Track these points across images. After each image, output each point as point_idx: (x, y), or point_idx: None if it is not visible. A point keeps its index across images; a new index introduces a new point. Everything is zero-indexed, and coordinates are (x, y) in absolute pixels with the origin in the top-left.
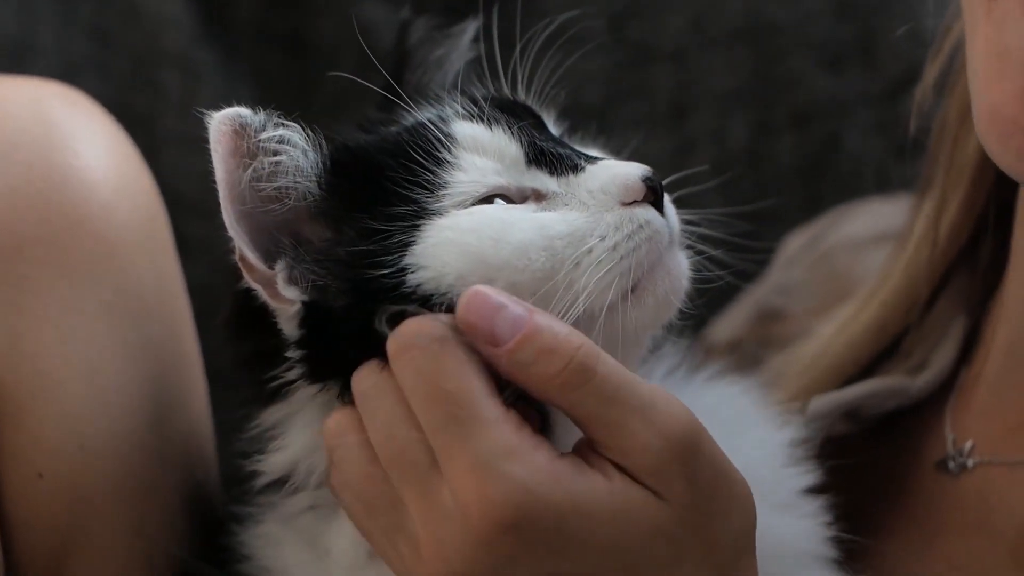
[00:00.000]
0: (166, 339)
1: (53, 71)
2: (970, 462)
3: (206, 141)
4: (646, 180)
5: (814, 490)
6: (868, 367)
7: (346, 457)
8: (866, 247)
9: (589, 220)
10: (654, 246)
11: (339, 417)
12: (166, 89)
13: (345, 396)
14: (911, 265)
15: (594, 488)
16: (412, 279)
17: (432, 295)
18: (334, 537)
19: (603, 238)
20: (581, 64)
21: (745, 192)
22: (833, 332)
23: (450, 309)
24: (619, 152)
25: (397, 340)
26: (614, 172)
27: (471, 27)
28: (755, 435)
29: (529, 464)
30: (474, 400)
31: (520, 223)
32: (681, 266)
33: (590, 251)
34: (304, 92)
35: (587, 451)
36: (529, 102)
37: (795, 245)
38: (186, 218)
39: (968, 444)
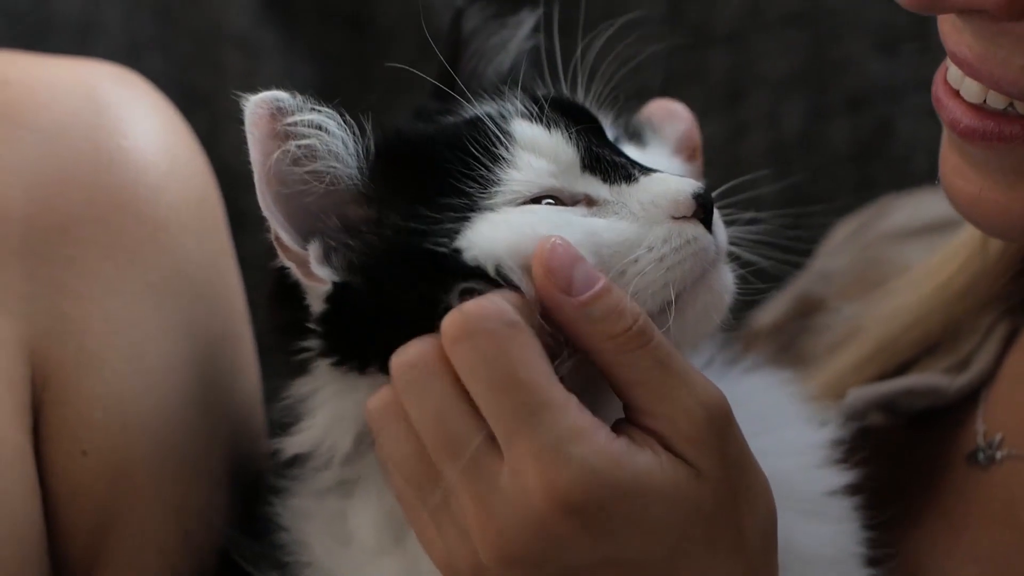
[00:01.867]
0: (214, 318)
1: (117, 50)
2: (999, 455)
3: None
4: (697, 197)
5: (847, 490)
6: (908, 361)
7: (391, 437)
8: (910, 238)
9: (638, 231)
10: (699, 261)
11: (383, 395)
12: (227, 69)
13: (369, 371)
14: (965, 267)
15: (649, 466)
16: (462, 265)
17: (461, 263)
18: (359, 520)
19: (650, 249)
20: (638, 47)
21: (798, 176)
22: (873, 323)
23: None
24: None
25: (462, 322)
26: (667, 186)
27: (530, 19)
28: (790, 432)
29: (594, 446)
30: (543, 387)
31: (570, 225)
32: (724, 281)
33: (636, 261)
34: (364, 73)
35: (629, 428)
36: (587, 103)
37: (841, 233)
38: (246, 195)
39: (998, 437)
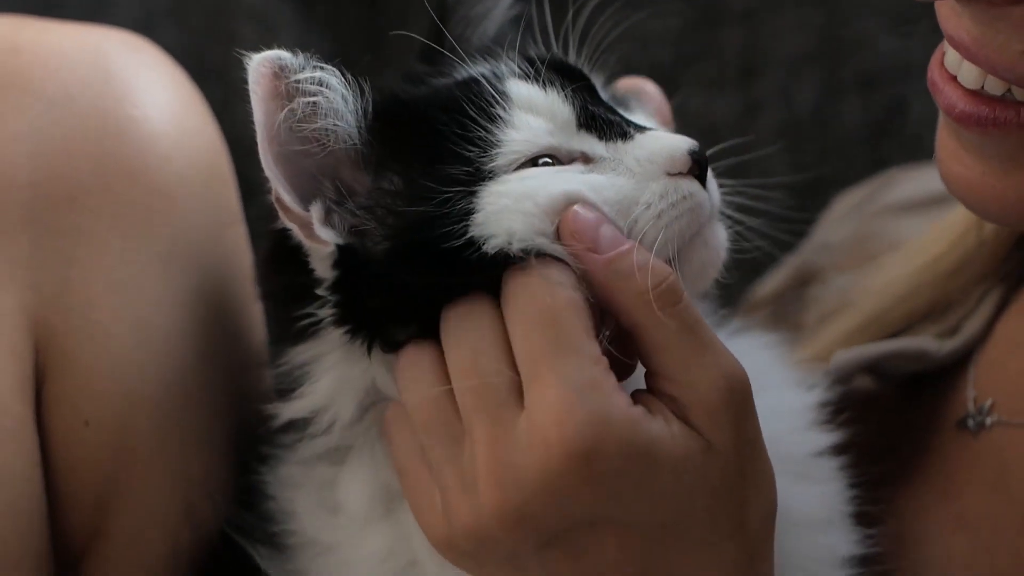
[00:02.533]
0: (221, 288)
1: (132, 21)
2: (989, 421)
3: None
4: (692, 153)
5: (834, 451)
6: (897, 334)
7: (416, 378)
8: (912, 211)
9: (635, 187)
10: (695, 217)
11: (419, 344)
12: (242, 40)
13: (378, 347)
14: (958, 244)
15: (661, 434)
16: (468, 232)
17: (484, 251)
18: (349, 488)
19: (648, 206)
20: (650, 24)
21: (809, 155)
22: (863, 296)
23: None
24: (686, 112)
25: (522, 267)
26: (662, 143)
27: None
28: (777, 395)
29: (610, 401)
30: (579, 332)
31: (571, 182)
32: (719, 238)
33: (636, 221)
34: (378, 48)
35: (646, 397)
36: (580, 66)
37: (844, 205)
38: (258, 166)
39: (988, 403)
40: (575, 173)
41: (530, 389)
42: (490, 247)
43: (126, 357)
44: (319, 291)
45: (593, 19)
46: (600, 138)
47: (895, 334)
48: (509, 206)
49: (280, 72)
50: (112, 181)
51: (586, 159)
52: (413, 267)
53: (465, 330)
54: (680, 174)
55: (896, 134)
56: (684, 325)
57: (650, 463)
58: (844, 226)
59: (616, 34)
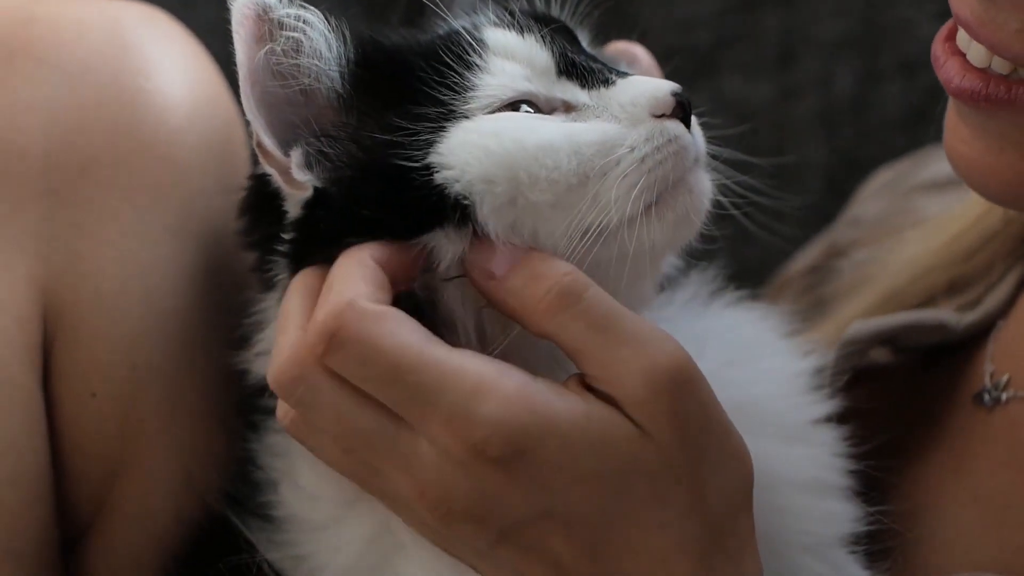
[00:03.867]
0: (232, 261)
1: None
2: (1004, 396)
3: None
4: (675, 94)
5: (831, 419)
6: (920, 304)
7: (314, 447)
8: (942, 189)
9: (619, 130)
10: (680, 161)
11: (280, 410)
12: None
13: None
14: (982, 220)
15: (570, 409)
16: (439, 177)
17: (451, 194)
18: (316, 474)
19: (632, 149)
20: (690, 7)
21: (848, 140)
22: (882, 272)
23: (465, 215)
24: (724, 95)
25: (324, 336)
26: (645, 86)
27: None
28: (769, 362)
29: (501, 396)
30: (430, 362)
31: (547, 127)
32: (703, 184)
33: (619, 162)
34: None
35: (571, 382)
36: (565, 18)
37: (880, 181)
38: None
39: (1005, 378)
40: (553, 122)
41: (420, 429)
42: (442, 177)
43: (133, 328)
44: (282, 234)
45: None
46: (582, 86)
47: (914, 309)
48: (473, 140)
49: (263, 14)
50: (124, 153)
51: (568, 108)
52: (370, 193)
53: (314, 401)
54: (664, 116)
55: (936, 120)
56: (591, 323)
57: (561, 439)
58: (877, 202)
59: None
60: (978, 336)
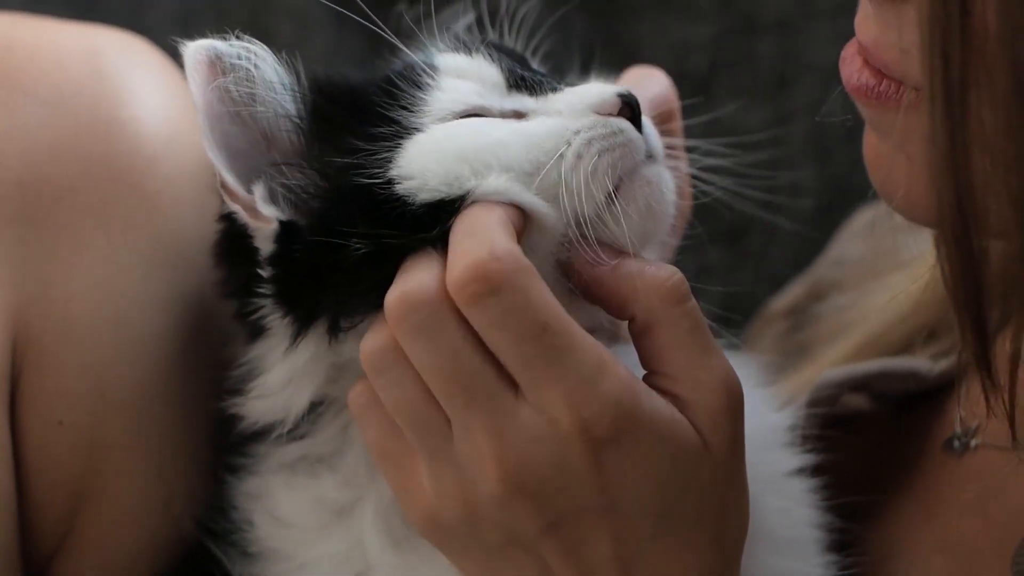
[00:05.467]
0: (206, 290)
1: (171, 16)
2: (973, 443)
3: None
4: (622, 96)
5: (805, 472)
6: (898, 351)
7: (392, 380)
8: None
9: (565, 121)
10: (628, 152)
11: (381, 337)
12: (278, 38)
13: (339, 326)
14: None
15: (665, 408)
16: (400, 188)
17: (416, 202)
18: (294, 501)
19: (578, 132)
20: (686, 32)
21: (841, 167)
22: (862, 317)
23: (435, 214)
24: (718, 120)
25: (481, 276)
26: (591, 88)
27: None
28: (747, 412)
29: (620, 379)
30: (568, 328)
31: (497, 126)
32: (662, 177)
33: (569, 143)
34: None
35: (650, 385)
36: (521, 51)
37: (862, 220)
38: None
39: (974, 424)
40: (505, 123)
41: (534, 393)
42: (406, 188)
43: (103, 356)
44: (260, 271)
45: (538, 19)
46: (531, 95)
47: (893, 356)
48: (428, 148)
49: (216, 59)
50: (98, 181)
51: (519, 116)
52: (342, 221)
53: (435, 331)
54: (611, 116)
55: None
56: (695, 325)
57: (652, 439)
58: (859, 243)
59: (545, 25)
60: (951, 383)
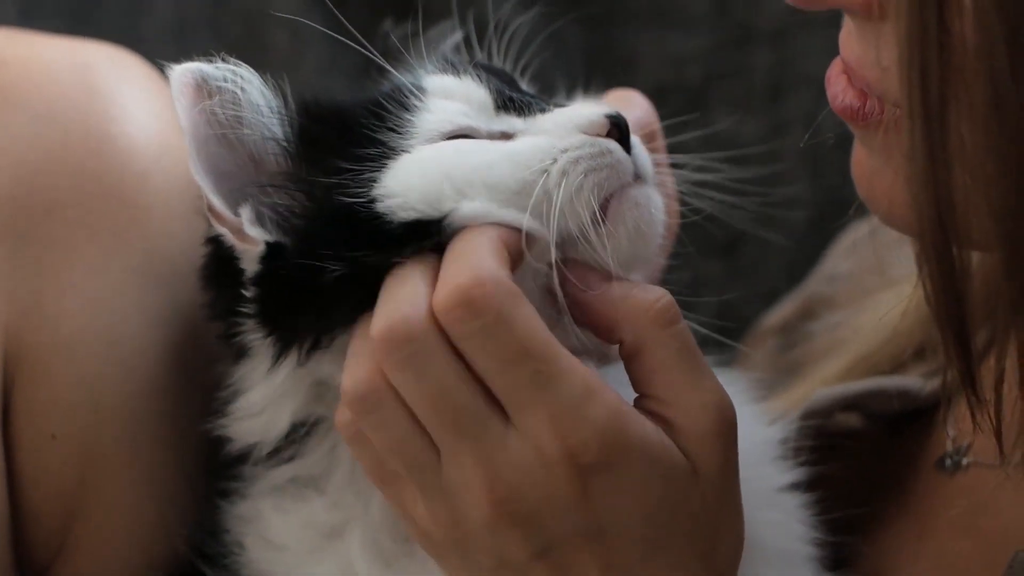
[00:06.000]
0: (196, 304)
1: (167, 27)
2: (965, 461)
3: None
4: (610, 117)
5: (796, 487)
6: (889, 370)
7: (382, 421)
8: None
9: (551, 140)
10: (615, 173)
11: (367, 376)
12: (274, 49)
13: (320, 346)
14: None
15: (655, 433)
16: (382, 206)
17: (395, 221)
18: (286, 524)
19: (565, 150)
20: (681, 44)
21: (835, 178)
22: (853, 336)
23: (412, 235)
24: (713, 131)
25: (463, 299)
26: (580, 109)
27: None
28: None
29: (607, 405)
30: (554, 353)
31: (483, 147)
32: (651, 199)
33: (555, 160)
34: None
35: (640, 408)
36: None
37: (854, 235)
38: None
39: (966, 443)
40: (492, 144)
41: (520, 418)
42: (387, 206)
43: (96, 370)
44: (243, 291)
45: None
46: (519, 116)
47: (884, 375)
48: (412, 168)
49: (203, 82)
50: (89, 196)
51: (507, 137)
52: (324, 241)
53: (424, 365)
54: (600, 136)
55: None
56: (684, 345)
57: (641, 464)
58: (851, 259)
59: (533, 45)
60: (942, 402)
